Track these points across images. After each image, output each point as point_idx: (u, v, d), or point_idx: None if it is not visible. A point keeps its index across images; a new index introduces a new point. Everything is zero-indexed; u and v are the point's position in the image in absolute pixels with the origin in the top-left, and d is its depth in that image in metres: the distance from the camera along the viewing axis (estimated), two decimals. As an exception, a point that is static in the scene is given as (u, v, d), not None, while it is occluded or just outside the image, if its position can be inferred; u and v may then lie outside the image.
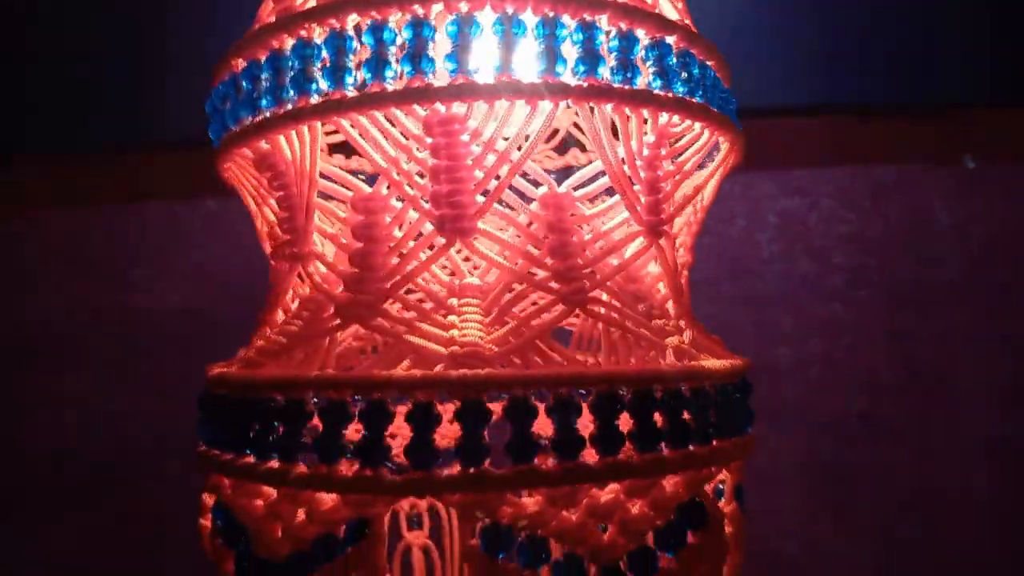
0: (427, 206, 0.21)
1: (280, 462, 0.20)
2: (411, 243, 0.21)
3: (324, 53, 0.20)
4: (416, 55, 0.19)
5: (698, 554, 0.20)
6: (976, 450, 0.59)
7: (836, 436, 0.60)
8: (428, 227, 0.21)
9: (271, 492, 0.20)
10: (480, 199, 0.21)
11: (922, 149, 0.63)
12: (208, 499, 0.22)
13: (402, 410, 0.19)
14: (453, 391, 0.18)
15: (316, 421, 0.20)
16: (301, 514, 0.19)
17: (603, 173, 0.23)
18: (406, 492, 0.18)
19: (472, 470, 0.18)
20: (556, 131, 0.39)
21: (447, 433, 0.19)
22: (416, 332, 0.20)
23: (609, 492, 0.20)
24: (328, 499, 0.19)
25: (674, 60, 0.22)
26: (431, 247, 0.21)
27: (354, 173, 0.25)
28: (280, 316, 0.23)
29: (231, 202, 0.50)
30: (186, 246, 0.61)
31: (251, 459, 0.20)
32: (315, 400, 0.19)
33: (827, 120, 0.64)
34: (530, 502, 0.19)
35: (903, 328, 0.61)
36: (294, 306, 0.23)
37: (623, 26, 0.21)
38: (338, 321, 0.20)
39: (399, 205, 0.22)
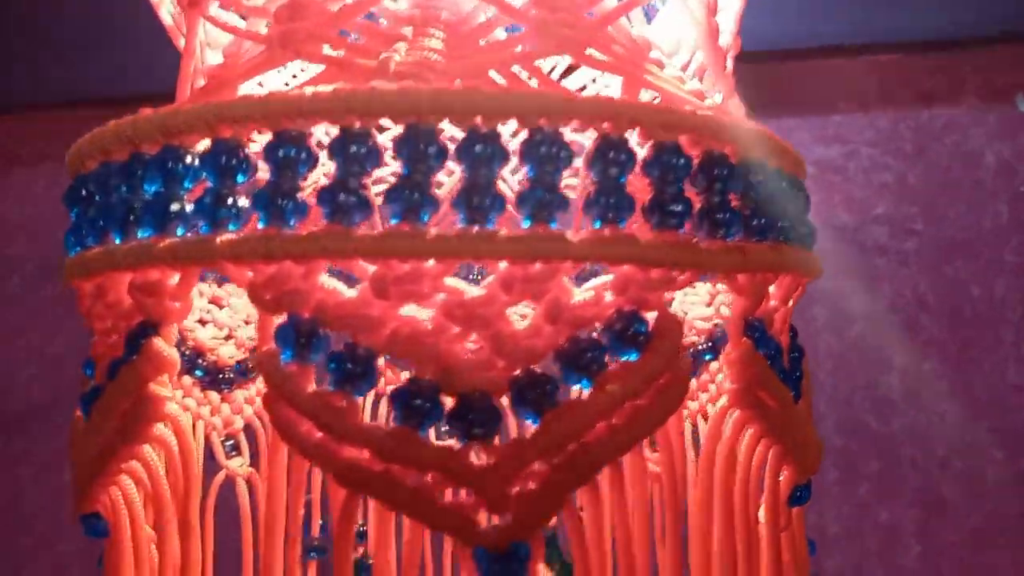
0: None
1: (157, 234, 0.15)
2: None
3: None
4: None
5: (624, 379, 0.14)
6: (1020, 402, 0.59)
7: (874, 398, 0.60)
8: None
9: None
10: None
11: (969, 90, 0.62)
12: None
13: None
14: (394, 110, 0.13)
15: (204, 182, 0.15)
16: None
17: None
18: (333, 253, 0.13)
19: (407, 226, 0.13)
20: None
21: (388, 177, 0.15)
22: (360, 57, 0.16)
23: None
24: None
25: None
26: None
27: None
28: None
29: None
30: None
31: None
32: (207, 146, 0.15)
33: (867, 61, 0.62)
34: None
35: (950, 279, 0.60)
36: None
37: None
38: (264, 54, 0.16)
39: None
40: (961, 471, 0.58)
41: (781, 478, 0.18)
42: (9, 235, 0.66)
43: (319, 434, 0.13)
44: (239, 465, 0.24)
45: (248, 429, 0.25)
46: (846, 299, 0.60)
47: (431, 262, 0.13)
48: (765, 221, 0.16)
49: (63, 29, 0.61)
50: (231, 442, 0.24)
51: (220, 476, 0.24)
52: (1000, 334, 0.59)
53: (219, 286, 0.24)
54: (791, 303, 0.19)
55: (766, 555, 0.17)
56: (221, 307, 0.24)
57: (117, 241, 0.15)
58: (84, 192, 0.17)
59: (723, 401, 0.18)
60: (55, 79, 0.62)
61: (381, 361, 0.14)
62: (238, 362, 0.25)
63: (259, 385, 0.26)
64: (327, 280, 0.14)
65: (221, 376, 0.24)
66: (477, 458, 0.12)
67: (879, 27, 0.59)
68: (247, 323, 0.26)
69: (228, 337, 0.25)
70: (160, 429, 0.16)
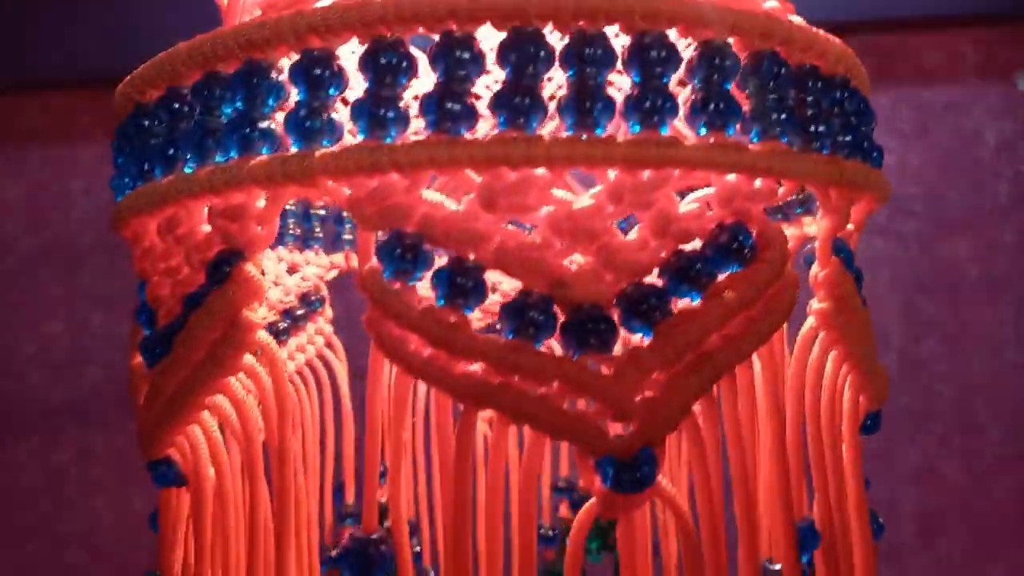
0: None
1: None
2: None
3: None
4: None
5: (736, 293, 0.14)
6: (1018, 382, 0.60)
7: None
8: None
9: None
10: None
11: (969, 68, 0.63)
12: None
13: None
14: (498, 14, 0.13)
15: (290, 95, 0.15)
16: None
17: None
18: (442, 162, 0.13)
19: (516, 132, 0.13)
20: None
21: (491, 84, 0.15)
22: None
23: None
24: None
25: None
26: None
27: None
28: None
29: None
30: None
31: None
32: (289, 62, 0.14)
33: (866, 40, 0.63)
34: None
35: (949, 259, 0.61)
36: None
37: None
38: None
39: None
40: (959, 448, 0.59)
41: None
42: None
43: (428, 351, 0.13)
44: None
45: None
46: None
47: (541, 170, 0.13)
48: (853, 138, 0.16)
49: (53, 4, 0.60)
50: None
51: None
52: (1000, 315, 0.60)
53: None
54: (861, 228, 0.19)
55: (851, 483, 0.17)
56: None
57: (188, 170, 0.15)
58: (145, 124, 0.16)
59: (811, 322, 0.18)
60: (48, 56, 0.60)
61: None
62: (270, 324, 0.25)
63: (293, 345, 0.26)
64: (430, 194, 0.14)
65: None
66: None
67: (879, 5, 0.60)
68: (276, 284, 0.25)
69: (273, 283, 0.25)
70: (249, 359, 0.16)
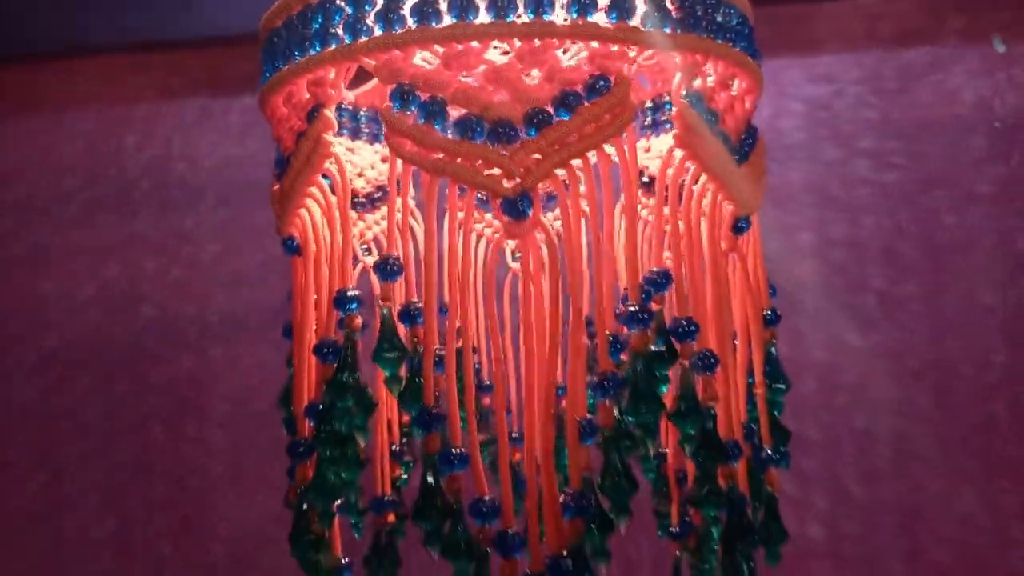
0: None
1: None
2: None
3: None
4: None
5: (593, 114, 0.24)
6: (988, 321, 0.67)
7: (855, 317, 0.69)
8: None
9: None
10: None
11: (951, 30, 0.70)
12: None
13: None
14: None
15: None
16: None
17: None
18: (421, 41, 0.23)
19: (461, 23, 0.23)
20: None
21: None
22: None
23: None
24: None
25: None
26: None
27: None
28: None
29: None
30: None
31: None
32: None
33: (854, 4, 0.70)
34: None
35: (927, 208, 0.69)
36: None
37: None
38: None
39: None
40: (933, 383, 0.67)
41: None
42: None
43: (414, 147, 0.23)
44: (372, 262, 0.35)
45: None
46: (830, 226, 0.69)
47: (476, 43, 0.23)
48: (694, 20, 0.25)
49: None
50: (365, 246, 0.36)
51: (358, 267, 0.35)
52: (972, 260, 0.68)
53: (352, 140, 0.34)
54: (747, 103, 0.28)
55: (709, 271, 0.26)
56: (354, 153, 0.35)
57: (297, 60, 0.27)
58: (274, 39, 0.28)
59: (674, 150, 0.28)
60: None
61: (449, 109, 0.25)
62: (366, 194, 0.35)
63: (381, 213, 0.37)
64: (417, 61, 0.24)
65: (356, 200, 0.35)
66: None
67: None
68: (372, 167, 0.35)
69: (360, 175, 0.35)
70: (328, 164, 0.28)
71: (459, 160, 0.23)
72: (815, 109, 0.70)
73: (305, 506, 0.28)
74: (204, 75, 0.74)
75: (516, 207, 0.23)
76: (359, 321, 0.29)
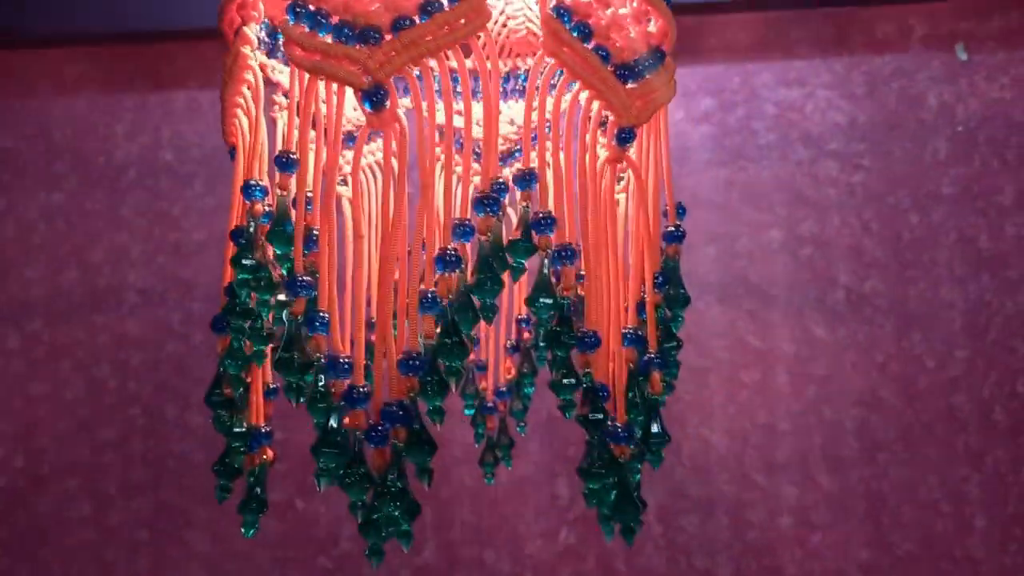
0: None
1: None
2: None
3: None
4: None
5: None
6: (951, 316, 0.70)
7: (823, 310, 0.72)
8: None
9: None
10: None
11: (916, 38, 0.74)
12: None
13: None
14: None
15: None
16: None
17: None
18: None
19: None
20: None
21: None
22: None
23: None
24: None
25: None
26: None
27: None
28: None
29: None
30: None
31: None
32: None
33: (825, 12, 0.74)
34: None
35: (892, 207, 0.72)
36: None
37: None
38: None
39: None
40: (897, 375, 0.70)
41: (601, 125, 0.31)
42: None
43: (303, 53, 0.28)
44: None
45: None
46: (800, 224, 0.72)
47: None
48: None
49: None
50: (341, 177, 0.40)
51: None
52: (935, 256, 0.71)
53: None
54: (649, 27, 0.31)
55: (579, 173, 0.30)
56: None
57: None
58: None
59: (543, 57, 0.31)
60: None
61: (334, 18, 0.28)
62: (346, 132, 0.40)
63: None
64: None
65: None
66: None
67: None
68: (355, 109, 0.40)
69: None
70: (248, 75, 0.33)
71: (331, 60, 0.27)
72: (787, 111, 0.74)
73: (221, 370, 0.34)
74: (193, 66, 0.76)
75: (372, 98, 0.27)
76: (260, 207, 0.33)
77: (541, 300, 0.30)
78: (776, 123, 0.74)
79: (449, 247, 0.28)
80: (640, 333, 0.33)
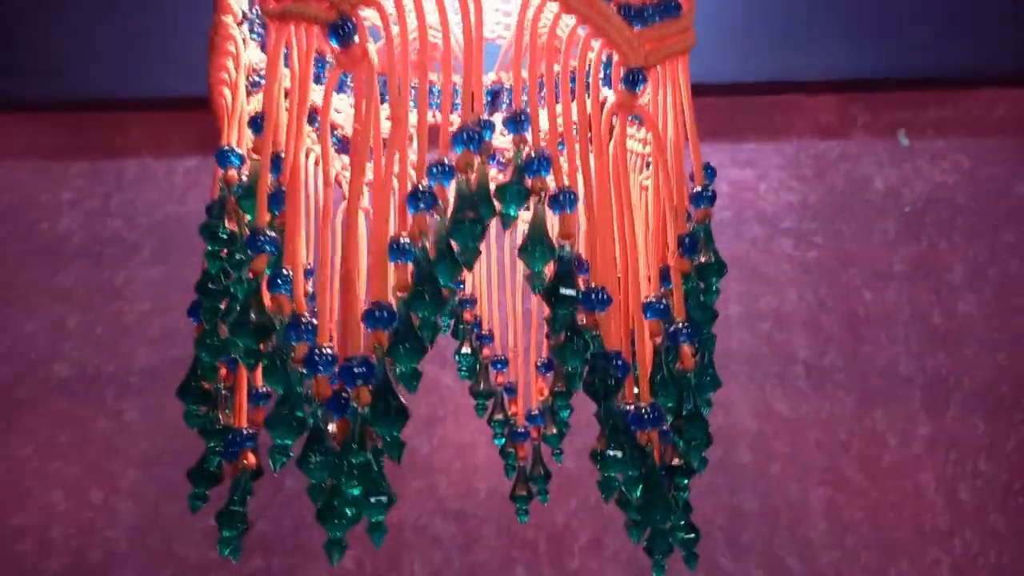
0: None
1: None
2: None
3: None
4: None
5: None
6: (910, 392, 0.70)
7: (784, 387, 0.71)
8: None
9: None
10: None
11: (859, 125, 0.77)
12: None
13: None
14: None
15: None
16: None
17: None
18: None
19: None
20: None
21: None
22: None
23: None
24: None
25: None
26: None
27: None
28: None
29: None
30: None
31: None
32: None
33: (773, 99, 0.78)
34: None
35: (846, 285, 0.73)
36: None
37: None
38: None
39: None
40: (860, 452, 0.69)
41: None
42: None
43: (275, 3, 0.27)
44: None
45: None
46: (757, 299, 0.72)
47: None
48: None
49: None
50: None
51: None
52: (892, 333, 0.71)
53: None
54: None
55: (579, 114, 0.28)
56: None
57: None
58: None
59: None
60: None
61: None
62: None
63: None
64: None
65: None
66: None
67: (780, 68, 0.74)
68: None
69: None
70: (230, 46, 0.32)
71: (299, 2, 0.25)
72: (740, 190, 0.76)
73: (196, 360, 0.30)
74: (147, 137, 0.75)
75: (339, 32, 0.25)
76: (233, 173, 0.31)
77: (535, 248, 0.25)
78: (731, 201, 0.76)
79: (422, 182, 0.25)
80: (665, 303, 0.29)
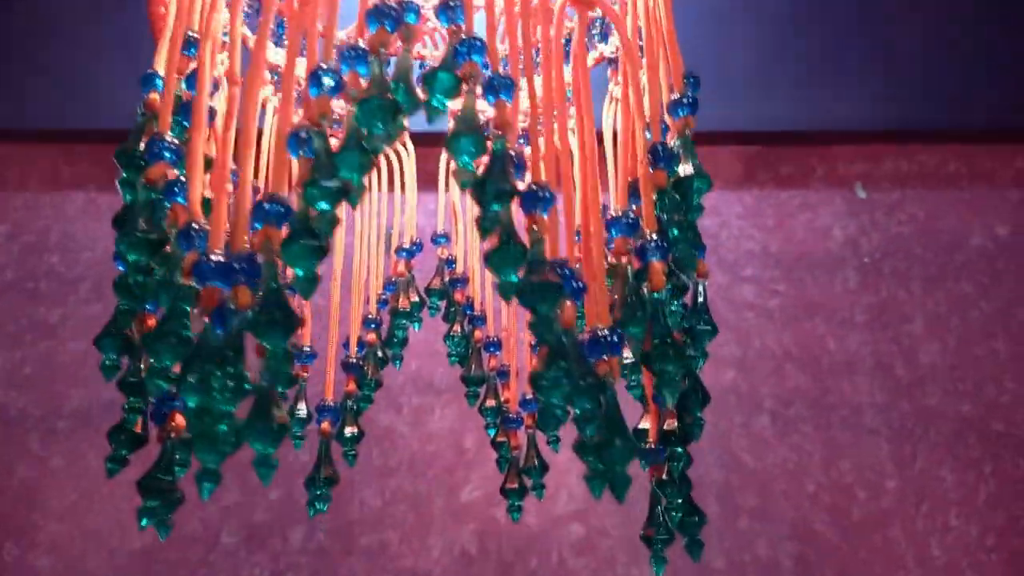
0: None
1: None
2: None
3: None
4: None
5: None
6: (876, 444, 0.68)
7: (749, 436, 0.69)
8: None
9: None
10: None
11: (817, 176, 0.78)
12: None
13: None
14: None
15: None
16: None
17: None
18: None
19: None
20: None
21: None
22: None
23: None
24: None
25: None
26: None
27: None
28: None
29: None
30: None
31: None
32: None
33: (734, 150, 0.78)
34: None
35: (809, 333, 0.72)
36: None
37: None
38: None
39: None
40: (829, 505, 0.66)
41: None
42: None
43: None
44: None
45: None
46: (721, 348, 0.71)
47: None
48: None
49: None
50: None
51: None
52: (856, 383, 0.70)
53: None
54: None
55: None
56: None
57: None
58: None
59: None
60: None
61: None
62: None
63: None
64: None
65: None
66: None
67: (746, 119, 0.76)
68: None
69: None
70: None
71: None
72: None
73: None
74: (95, 168, 0.73)
75: None
76: (155, 97, 0.29)
77: (463, 139, 0.22)
78: (693, 249, 0.75)
79: (326, 63, 0.22)
80: (634, 219, 0.26)
